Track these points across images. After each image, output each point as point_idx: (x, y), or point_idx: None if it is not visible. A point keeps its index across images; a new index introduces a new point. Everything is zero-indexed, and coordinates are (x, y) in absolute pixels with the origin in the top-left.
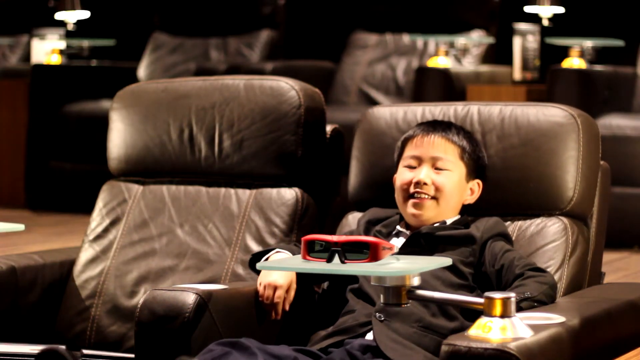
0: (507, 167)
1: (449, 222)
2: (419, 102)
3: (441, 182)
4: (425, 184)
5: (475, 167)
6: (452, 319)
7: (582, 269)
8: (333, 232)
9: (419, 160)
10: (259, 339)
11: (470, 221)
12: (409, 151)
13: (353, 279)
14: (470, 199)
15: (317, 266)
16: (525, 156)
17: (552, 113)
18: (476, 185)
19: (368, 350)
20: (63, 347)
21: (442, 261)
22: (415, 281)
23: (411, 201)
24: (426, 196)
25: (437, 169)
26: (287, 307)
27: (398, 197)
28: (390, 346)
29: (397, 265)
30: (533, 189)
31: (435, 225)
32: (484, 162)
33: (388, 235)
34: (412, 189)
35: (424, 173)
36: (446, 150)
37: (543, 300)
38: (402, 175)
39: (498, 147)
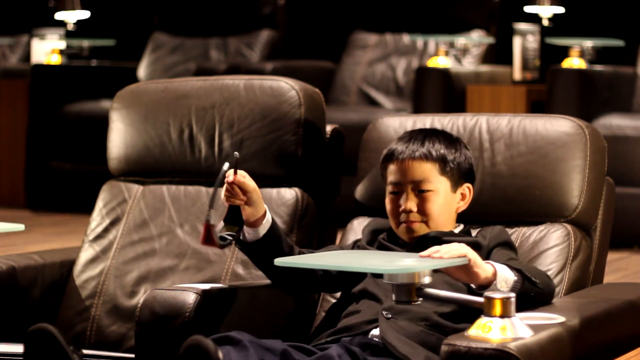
0: (514, 174)
1: (455, 232)
2: (427, 113)
3: (425, 207)
4: (410, 211)
5: (460, 174)
6: (459, 320)
7: (584, 274)
8: (333, 233)
9: (400, 186)
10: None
11: (477, 233)
12: (390, 176)
13: (356, 281)
14: (463, 204)
15: (335, 263)
16: (532, 164)
17: (560, 124)
18: (466, 190)
19: (368, 347)
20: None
21: (456, 259)
22: (426, 279)
23: (402, 226)
24: (414, 221)
25: (420, 191)
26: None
27: (390, 221)
28: (395, 343)
29: (408, 262)
30: (539, 196)
31: (442, 231)
32: (469, 164)
33: (392, 244)
34: (401, 217)
35: (408, 202)
36: (424, 172)
37: (541, 291)
38: (389, 203)
39: (505, 154)
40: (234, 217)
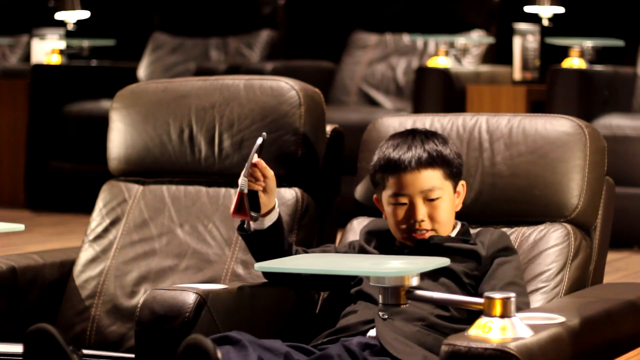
0: (514, 174)
1: (453, 235)
2: (427, 113)
3: (435, 215)
4: (422, 221)
5: (458, 174)
6: (456, 319)
7: (584, 274)
8: (333, 233)
9: (409, 197)
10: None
11: (475, 235)
12: (394, 188)
13: (346, 281)
14: (459, 202)
15: (317, 266)
16: (532, 164)
17: (560, 123)
18: (461, 187)
19: (367, 347)
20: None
21: (440, 261)
22: (414, 281)
23: (412, 237)
24: (425, 230)
25: (428, 199)
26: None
27: (395, 232)
28: (392, 344)
29: (396, 265)
30: (538, 196)
31: (442, 237)
32: (461, 160)
33: (388, 246)
34: (411, 228)
35: (419, 212)
36: (431, 179)
37: None
38: (396, 216)
39: (505, 154)
40: (251, 203)
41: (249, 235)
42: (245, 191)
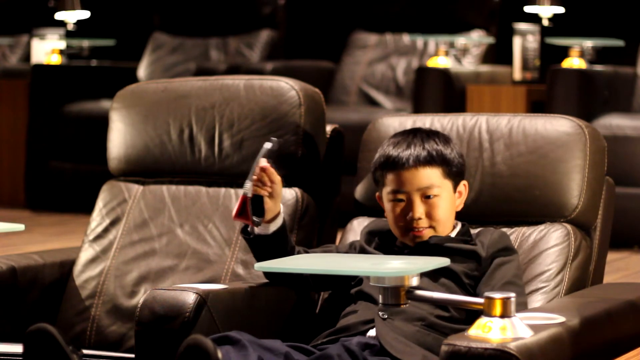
0: (514, 174)
1: (453, 235)
2: (427, 113)
3: (433, 213)
4: (419, 218)
5: (458, 174)
6: (455, 319)
7: (584, 274)
8: (333, 233)
9: (407, 194)
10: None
11: (475, 235)
12: (393, 185)
13: (346, 282)
14: (460, 202)
15: (317, 266)
16: (532, 164)
17: (560, 123)
18: (462, 187)
19: (367, 347)
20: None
21: (440, 261)
22: (414, 281)
23: (410, 234)
24: (423, 228)
25: (426, 196)
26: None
27: (394, 229)
28: (392, 344)
29: (396, 265)
30: (538, 196)
31: (442, 237)
32: (463, 160)
33: (389, 247)
34: (409, 225)
35: (416, 210)
36: (429, 177)
37: None
38: (394, 213)
39: (505, 154)
40: (256, 207)
41: (252, 239)
42: (250, 195)
